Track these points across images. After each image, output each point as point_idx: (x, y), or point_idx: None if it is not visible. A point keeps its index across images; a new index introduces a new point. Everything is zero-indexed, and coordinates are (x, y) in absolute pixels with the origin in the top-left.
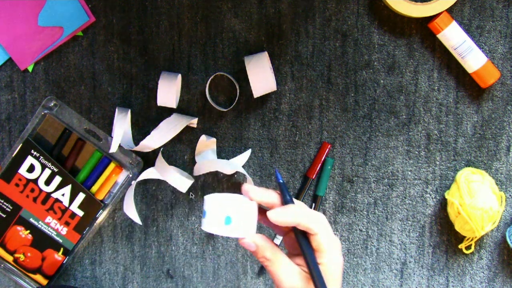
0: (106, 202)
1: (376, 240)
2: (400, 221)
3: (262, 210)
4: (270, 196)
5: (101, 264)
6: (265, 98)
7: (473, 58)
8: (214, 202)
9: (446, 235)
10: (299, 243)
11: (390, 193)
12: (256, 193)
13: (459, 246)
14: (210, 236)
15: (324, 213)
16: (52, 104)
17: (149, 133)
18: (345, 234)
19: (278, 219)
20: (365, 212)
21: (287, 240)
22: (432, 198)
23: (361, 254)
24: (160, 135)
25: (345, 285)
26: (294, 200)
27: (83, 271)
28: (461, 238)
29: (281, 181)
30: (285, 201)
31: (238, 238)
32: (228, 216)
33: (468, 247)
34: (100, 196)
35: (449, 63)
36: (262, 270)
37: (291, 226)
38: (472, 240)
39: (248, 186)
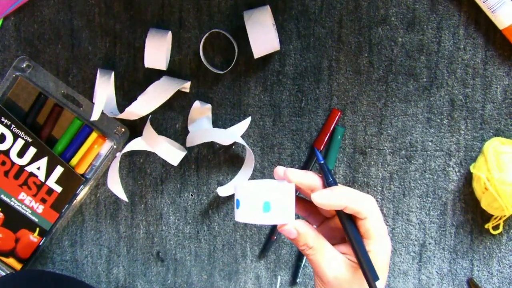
0: (87, 177)
1: (392, 219)
2: (419, 198)
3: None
4: (311, 178)
5: (83, 246)
6: (267, 58)
7: (505, 11)
8: (248, 189)
9: (471, 214)
10: (345, 228)
11: (408, 166)
12: (296, 175)
13: (486, 226)
14: (205, 215)
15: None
16: (24, 65)
17: (135, 99)
18: None
19: (325, 201)
20: (379, 188)
21: (325, 229)
22: (455, 172)
23: None
24: (148, 101)
25: None
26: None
27: (62, 254)
28: (488, 217)
29: (322, 161)
30: (327, 183)
31: (278, 225)
32: (267, 201)
33: (495, 227)
34: (80, 170)
35: (477, 18)
36: (263, 252)
37: (332, 212)
38: (500, 219)
39: (284, 168)
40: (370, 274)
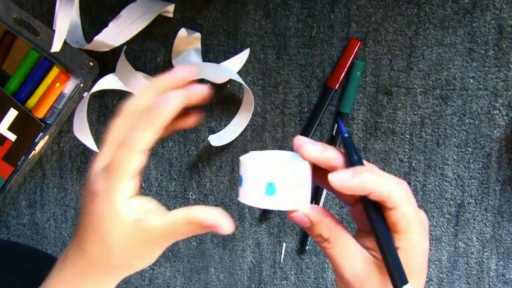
0: (48, 122)
1: (423, 174)
2: (456, 148)
3: (321, 169)
4: (331, 154)
5: (44, 207)
6: None
7: None
8: (249, 165)
9: None
10: (369, 219)
11: (444, 108)
12: (312, 150)
13: None
14: (194, 169)
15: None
16: None
17: (106, 25)
18: (379, 165)
19: (343, 184)
20: (407, 136)
21: (357, 212)
22: (502, 115)
23: None
24: (122, 28)
25: None
26: (364, 162)
27: (18, 217)
28: None
29: (346, 135)
30: (350, 162)
31: (287, 211)
32: (271, 183)
33: None
34: (39, 114)
35: None
36: (265, 214)
37: (359, 196)
38: None
39: (303, 139)
40: (396, 275)
